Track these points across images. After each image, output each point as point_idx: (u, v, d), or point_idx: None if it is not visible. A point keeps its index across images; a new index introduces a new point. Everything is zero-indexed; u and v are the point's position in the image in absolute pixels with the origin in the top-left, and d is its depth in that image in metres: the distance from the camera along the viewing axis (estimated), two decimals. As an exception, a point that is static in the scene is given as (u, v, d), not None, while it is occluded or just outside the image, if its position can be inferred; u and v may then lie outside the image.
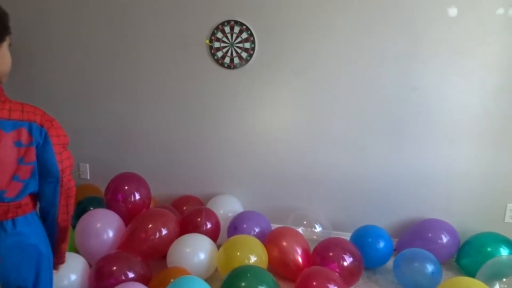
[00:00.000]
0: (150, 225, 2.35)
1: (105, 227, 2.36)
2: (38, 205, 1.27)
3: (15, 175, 1.10)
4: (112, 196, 2.61)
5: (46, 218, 1.26)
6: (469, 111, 2.60)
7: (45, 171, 1.17)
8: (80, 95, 3.18)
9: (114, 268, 2.04)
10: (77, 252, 2.31)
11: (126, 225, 2.46)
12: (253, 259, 2.22)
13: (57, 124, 1.20)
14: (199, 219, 2.54)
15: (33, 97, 3.15)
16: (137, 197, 2.64)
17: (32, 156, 1.12)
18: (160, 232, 2.34)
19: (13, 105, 1.11)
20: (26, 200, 1.17)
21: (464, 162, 2.67)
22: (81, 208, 2.75)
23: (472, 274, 2.28)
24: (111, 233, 2.35)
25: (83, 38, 3.06)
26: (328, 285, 1.98)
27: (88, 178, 3.27)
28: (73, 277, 2.02)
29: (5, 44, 1.14)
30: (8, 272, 1.17)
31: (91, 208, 2.68)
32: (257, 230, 2.61)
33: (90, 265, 2.17)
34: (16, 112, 1.10)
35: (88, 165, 3.24)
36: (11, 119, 1.08)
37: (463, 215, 2.71)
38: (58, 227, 1.27)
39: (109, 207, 2.61)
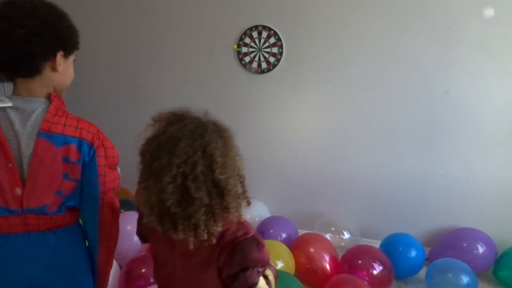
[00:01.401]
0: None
1: (135, 230, 2.40)
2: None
3: (59, 190, 1.09)
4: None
5: (88, 239, 1.23)
6: (504, 115, 2.49)
7: (86, 190, 1.14)
8: (110, 100, 3.28)
9: (143, 270, 2.08)
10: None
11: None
12: (280, 264, 2.20)
13: (109, 144, 1.17)
14: None
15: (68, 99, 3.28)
16: None
17: (77, 173, 1.10)
18: (188, 235, 2.36)
19: (69, 120, 1.09)
20: (67, 213, 1.15)
21: (500, 169, 2.55)
22: (112, 211, 2.83)
23: (511, 287, 2.17)
24: (140, 236, 2.39)
25: (111, 42, 3.15)
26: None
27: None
28: (104, 278, 2.07)
29: (71, 58, 1.16)
30: (44, 282, 1.14)
31: (122, 211, 2.75)
32: (284, 235, 2.59)
33: (120, 267, 2.22)
34: (70, 128, 1.08)
35: (119, 168, 3.33)
36: (63, 134, 1.07)
37: (500, 225, 2.58)
38: (99, 254, 1.23)
39: (138, 209, 2.66)
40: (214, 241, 0.86)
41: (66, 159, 1.07)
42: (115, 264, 2.20)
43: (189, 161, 0.82)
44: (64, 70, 1.14)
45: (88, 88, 3.29)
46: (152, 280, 2.05)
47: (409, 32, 2.53)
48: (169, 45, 3.02)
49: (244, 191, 0.92)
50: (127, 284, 2.06)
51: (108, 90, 3.27)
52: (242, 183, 0.91)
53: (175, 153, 0.82)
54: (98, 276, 1.25)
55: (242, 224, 0.92)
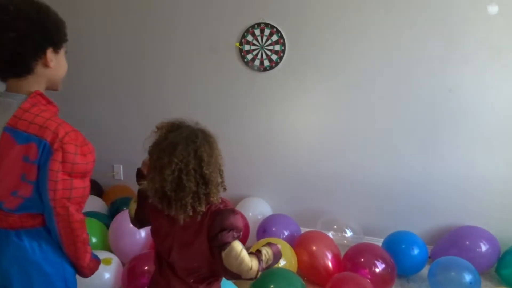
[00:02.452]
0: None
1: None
2: None
3: (15, 190, 1.06)
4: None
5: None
6: (508, 113, 2.47)
7: (41, 196, 1.08)
8: (114, 99, 3.27)
9: (146, 267, 2.08)
10: (110, 251, 2.37)
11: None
12: (282, 262, 2.21)
13: (71, 148, 1.07)
14: None
15: (70, 100, 3.28)
16: None
17: (34, 174, 1.05)
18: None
19: (38, 118, 1.05)
20: (27, 215, 1.11)
21: (503, 167, 2.54)
22: (115, 209, 2.83)
23: (514, 285, 2.17)
24: (143, 233, 2.40)
25: (113, 40, 3.14)
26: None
27: (122, 179, 3.36)
28: (106, 275, 2.08)
29: (62, 51, 1.17)
30: (9, 286, 1.12)
31: (124, 208, 2.75)
32: (286, 233, 2.59)
33: (123, 264, 2.23)
34: (34, 126, 1.04)
35: (121, 166, 3.34)
36: (27, 132, 1.03)
37: (504, 223, 2.58)
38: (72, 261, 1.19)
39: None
40: (199, 218, 1.15)
41: (26, 158, 1.04)
42: (118, 261, 2.21)
43: (184, 161, 1.11)
44: (56, 64, 1.14)
45: (90, 87, 3.30)
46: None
47: (412, 30, 2.51)
48: (171, 42, 3.01)
49: (222, 181, 1.21)
50: (130, 282, 2.07)
51: (110, 89, 3.27)
52: (221, 175, 1.21)
53: (174, 154, 1.11)
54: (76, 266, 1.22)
55: (224, 201, 1.22)
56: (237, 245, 1.16)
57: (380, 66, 2.62)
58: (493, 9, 2.35)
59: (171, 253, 1.23)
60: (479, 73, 2.47)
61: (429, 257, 2.52)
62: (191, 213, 1.13)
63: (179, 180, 1.10)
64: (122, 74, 3.21)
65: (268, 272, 2.02)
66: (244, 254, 1.17)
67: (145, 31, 3.06)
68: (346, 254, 2.37)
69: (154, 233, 1.30)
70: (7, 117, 1.06)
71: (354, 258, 2.29)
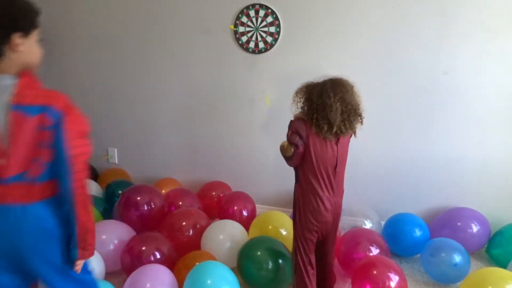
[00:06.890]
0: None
1: (111, 238, 2.25)
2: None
3: (35, 157, 1.17)
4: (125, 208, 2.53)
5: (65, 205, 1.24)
6: (503, 96, 2.48)
7: (57, 156, 1.18)
8: (108, 82, 3.24)
9: (144, 248, 2.11)
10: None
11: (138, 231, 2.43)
12: (283, 232, 2.31)
13: (77, 112, 1.21)
14: (236, 207, 2.68)
15: (65, 84, 3.23)
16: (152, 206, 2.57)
17: (51, 139, 1.17)
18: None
19: (39, 91, 1.19)
20: (47, 184, 1.22)
21: (496, 149, 2.55)
22: (110, 192, 2.83)
23: (503, 265, 2.22)
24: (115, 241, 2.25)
25: (107, 23, 3.09)
26: (389, 274, 1.97)
27: (117, 162, 3.34)
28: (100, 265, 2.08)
29: (33, 38, 1.21)
30: (32, 257, 1.22)
31: (120, 191, 2.75)
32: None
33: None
34: (40, 97, 1.17)
35: (116, 149, 3.32)
36: (36, 104, 1.15)
37: (494, 204, 2.61)
38: (77, 223, 1.24)
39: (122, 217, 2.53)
40: (353, 135, 1.86)
41: (41, 127, 1.15)
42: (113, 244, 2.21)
43: (339, 95, 1.71)
44: (27, 49, 1.19)
45: (87, 72, 3.26)
46: (152, 259, 2.09)
47: (407, 11, 2.49)
48: (165, 24, 2.96)
49: (361, 115, 1.82)
50: (132, 262, 2.09)
51: (103, 72, 3.23)
52: (359, 112, 1.80)
53: (331, 90, 1.72)
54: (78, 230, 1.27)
55: None
56: None
57: (375, 49, 2.60)
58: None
59: (336, 162, 1.77)
60: (475, 56, 2.46)
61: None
62: (347, 132, 1.75)
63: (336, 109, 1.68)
64: (116, 57, 3.17)
65: (257, 238, 2.19)
66: None
67: (139, 14, 3.00)
68: (342, 238, 2.36)
69: (308, 153, 1.74)
70: (8, 97, 1.14)
71: (349, 242, 2.29)
